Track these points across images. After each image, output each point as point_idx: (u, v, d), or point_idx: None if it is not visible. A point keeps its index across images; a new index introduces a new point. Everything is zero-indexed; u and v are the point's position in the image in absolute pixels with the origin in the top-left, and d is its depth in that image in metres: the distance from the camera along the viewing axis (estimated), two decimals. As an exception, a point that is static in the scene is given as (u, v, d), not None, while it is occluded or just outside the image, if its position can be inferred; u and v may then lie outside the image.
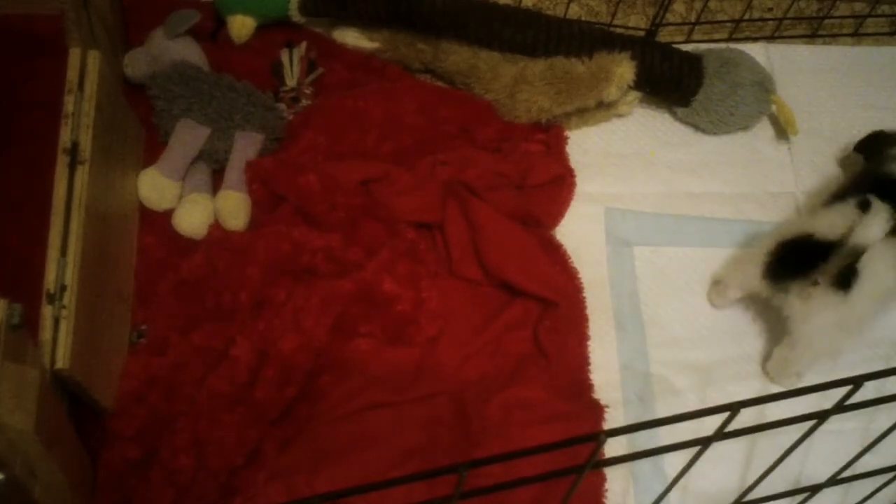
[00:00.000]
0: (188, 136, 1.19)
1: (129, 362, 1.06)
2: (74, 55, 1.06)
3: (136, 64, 1.25)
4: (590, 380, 1.15)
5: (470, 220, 1.19)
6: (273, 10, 1.33)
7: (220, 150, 1.20)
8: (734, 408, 0.62)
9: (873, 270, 1.06)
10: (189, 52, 1.25)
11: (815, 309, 1.08)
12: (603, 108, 1.33)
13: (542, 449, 0.60)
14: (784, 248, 1.10)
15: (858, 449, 0.81)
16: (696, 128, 1.38)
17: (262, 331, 1.07)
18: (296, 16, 1.34)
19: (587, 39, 1.27)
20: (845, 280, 1.05)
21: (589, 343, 1.18)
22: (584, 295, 1.20)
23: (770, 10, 1.55)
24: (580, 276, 1.21)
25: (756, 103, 1.34)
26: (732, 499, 0.87)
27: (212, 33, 1.34)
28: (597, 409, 1.12)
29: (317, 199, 1.17)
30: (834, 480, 0.83)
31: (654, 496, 0.83)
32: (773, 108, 1.37)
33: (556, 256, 1.22)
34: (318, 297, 1.09)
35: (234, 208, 1.18)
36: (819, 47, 1.52)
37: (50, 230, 0.97)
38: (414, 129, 1.28)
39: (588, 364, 1.16)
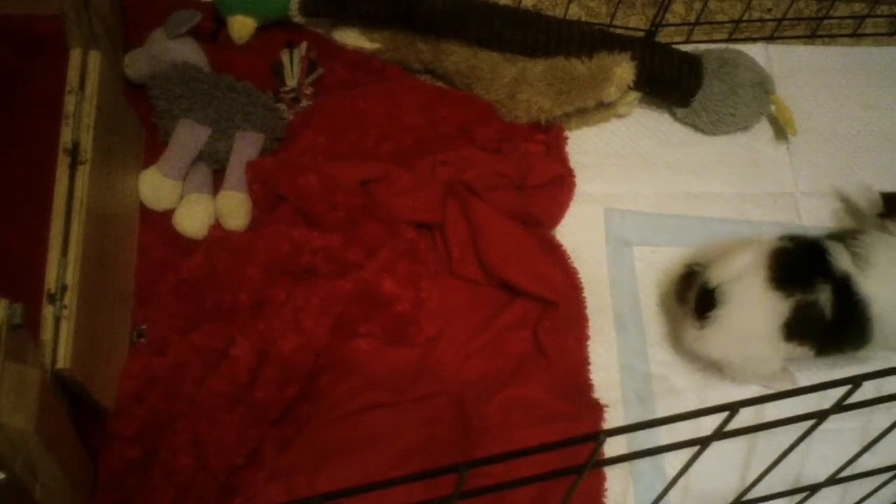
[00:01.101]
0: (188, 137, 1.19)
1: (129, 362, 1.06)
2: (75, 55, 1.07)
3: (137, 64, 1.25)
4: (590, 380, 1.15)
5: (470, 220, 1.19)
6: (273, 10, 1.33)
7: (220, 151, 1.20)
8: (733, 407, 0.62)
9: (732, 312, 1.07)
10: (189, 52, 1.26)
11: (685, 334, 1.13)
12: (603, 109, 1.33)
13: (542, 449, 0.60)
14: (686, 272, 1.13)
15: (857, 448, 0.81)
16: (696, 128, 1.38)
17: (262, 331, 1.07)
18: (296, 16, 1.34)
19: (587, 40, 1.27)
20: (700, 313, 1.08)
21: (589, 343, 1.18)
22: (584, 295, 1.20)
23: (769, 10, 1.56)
24: (580, 276, 1.21)
25: (755, 104, 1.34)
26: (732, 498, 0.87)
27: (212, 33, 1.34)
28: (597, 409, 1.12)
29: (317, 199, 1.17)
30: (833, 480, 0.83)
31: (654, 496, 0.83)
32: (773, 108, 1.37)
33: (556, 256, 1.22)
34: (318, 298, 1.09)
35: (234, 209, 1.18)
36: (818, 48, 1.52)
37: (51, 230, 0.97)
38: (414, 130, 1.28)
39: (588, 364, 1.16)
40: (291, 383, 1.05)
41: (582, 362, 1.16)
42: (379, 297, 1.12)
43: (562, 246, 1.23)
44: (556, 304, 1.15)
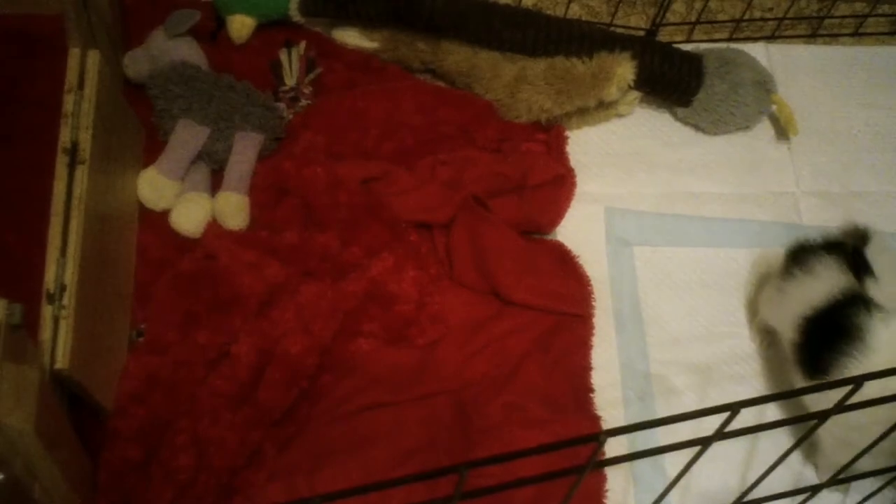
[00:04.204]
0: (188, 136, 1.19)
1: (129, 362, 1.06)
2: (74, 55, 1.06)
3: (136, 64, 1.25)
4: (591, 384, 1.14)
5: (478, 241, 1.18)
6: (273, 9, 1.33)
7: (219, 151, 1.20)
8: (734, 408, 0.62)
9: None
10: (189, 51, 1.25)
11: None
12: (603, 108, 1.33)
13: (542, 449, 0.60)
14: None
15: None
16: (697, 128, 1.38)
17: (264, 329, 1.06)
18: (295, 15, 1.34)
19: (587, 39, 1.27)
20: None
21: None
22: (594, 301, 1.20)
23: (770, 9, 1.55)
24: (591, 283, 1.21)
25: (756, 103, 1.34)
26: (733, 498, 0.86)
27: (212, 33, 1.34)
28: (595, 419, 1.11)
29: (321, 192, 1.17)
30: (834, 480, 0.83)
31: (655, 496, 0.83)
32: (774, 107, 1.37)
33: (569, 267, 1.21)
34: (326, 299, 1.09)
35: (233, 209, 1.17)
36: (819, 47, 1.52)
37: (49, 230, 0.97)
38: (414, 129, 1.28)
39: (590, 369, 1.16)
40: (297, 385, 1.05)
41: (584, 366, 1.15)
42: (382, 297, 1.12)
43: (571, 252, 1.23)
44: (568, 314, 1.16)
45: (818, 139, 1.40)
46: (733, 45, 1.41)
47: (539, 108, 1.28)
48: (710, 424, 0.64)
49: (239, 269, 1.11)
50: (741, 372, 1.19)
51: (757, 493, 0.83)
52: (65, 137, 1.02)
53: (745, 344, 1.21)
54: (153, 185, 1.18)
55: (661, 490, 0.79)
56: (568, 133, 1.33)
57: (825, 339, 1.00)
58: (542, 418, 1.08)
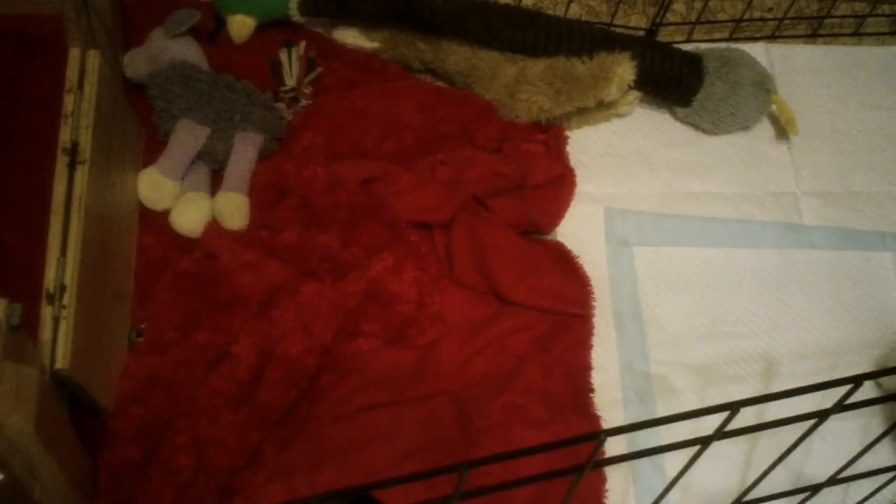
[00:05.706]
0: (188, 136, 1.19)
1: (129, 362, 1.06)
2: (74, 55, 1.06)
3: (136, 64, 1.25)
4: (591, 384, 1.14)
5: (478, 241, 1.18)
6: (273, 9, 1.33)
7: (219, 151, 1.20)
8: (734, 407, 0.62)
9: None
10: (189, 51, 1.25)
11: None
12: (603, 108, 1.33)
13: (542, 448, 0.60)
14: None
15: (858, 448, 0.81)
16: (697, 128, 1.38)
17: (264, 329, 1.07)
18: (295, 15, 1.34)
19: (587, 39, 1.27)
20: None
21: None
22: (594, 301, 1.20)
23: (770, 9, 1.56)
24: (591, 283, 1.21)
25: (756, 103, 1.34)
26: (733, 498, 0.87)
27: (211, 33, 1.34)
28: (595, 419, 1.11)
29: (321, 192, 1.17)
30: (834, 480, 0.83)
31: (655, 496, 0.83)
32: (774, 107, 1.37)
33: (569, 266, 1.21)
34: (326, 299, 1.09)
35: (233, 209, 1.17)
36: (819, 47, 1.52)
37: (49, 230, 0.97)
38: (414, 129, 1.28)
39: (590, 369, 1.16)
40: (297, 385, 1.05)
41: (584, 366, 1.15)
42: (382, 297, 1.12)
43: (571, 253, 1.22)
44: (568, 314, 1.16)
45: (818, 139, 1.40)
46: (733, 45, 1.41)
47: (539, 108, 1.28)
48: (709, 424, 0.64)
49: (239, 269, 1.11)
50: (741, 372, 1.19)
51: (756, 493, 0.83)
52: (65, 137, 1.01)
53: (745, 344, 1.21)
54: (153, 185, 1.18)
55: (660, 490, 0.79)
56: (568, 133, 1.33)
57: None
58: (542, 418, 1.08)
